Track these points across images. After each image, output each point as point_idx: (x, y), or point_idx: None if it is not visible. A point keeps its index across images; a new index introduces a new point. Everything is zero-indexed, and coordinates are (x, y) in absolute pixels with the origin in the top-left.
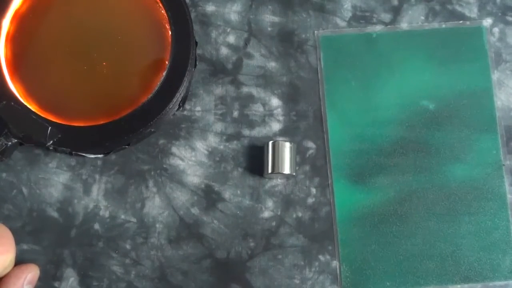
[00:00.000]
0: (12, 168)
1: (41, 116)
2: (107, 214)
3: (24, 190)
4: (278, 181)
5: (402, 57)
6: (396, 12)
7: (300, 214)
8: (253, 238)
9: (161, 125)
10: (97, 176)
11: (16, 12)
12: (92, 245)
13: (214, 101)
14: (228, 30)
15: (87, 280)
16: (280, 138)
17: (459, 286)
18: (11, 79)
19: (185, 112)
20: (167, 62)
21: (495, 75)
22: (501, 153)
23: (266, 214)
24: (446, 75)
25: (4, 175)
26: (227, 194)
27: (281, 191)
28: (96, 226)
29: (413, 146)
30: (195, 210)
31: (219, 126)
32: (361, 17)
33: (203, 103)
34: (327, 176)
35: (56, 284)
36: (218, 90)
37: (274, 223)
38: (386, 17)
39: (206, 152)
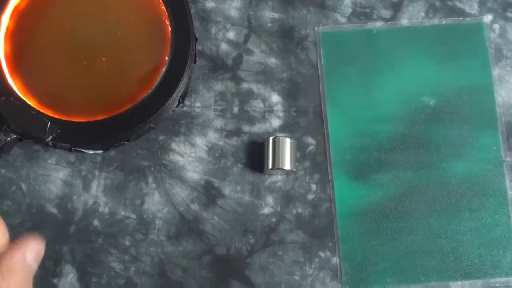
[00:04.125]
0: (11, 164)
1: (40, 112)
2: (106, 210)
3: (23, 186)
4: (278, 177)
5: (402, 53)
6: (396, 8)
7: (300, 210)
8: (253, 234)
9: (160, 121)
10: (96, 172)
11: (16, 8)
12: (91, 242)
13: (214, 97)
14: (228, 26)
15: (86, 277)
16: (280, 134)
17: (459, 282)
18: (11, 74)
19: (184, 108)
20: (166, 58)
21: (495, 71)
22: (501, 149)
23: (266, 210)
24: (447, 71)
25: (3, 171)
26: (227, 190)
27: (281, 187)
28: (96, 222)
29: (413, 142)
30: (194, 206)
31: (219, 122)
32: (361, 13)
33: (203, 99)
34: (327, 172)
35: (55, 280)
36: (218, 86)
37: (274, 219)
38: (386, 13)
39: (206, 148)
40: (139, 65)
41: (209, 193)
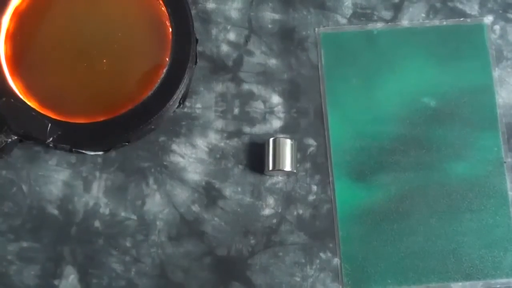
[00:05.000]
0: (12, 165)
1: (41, 113)
2: (107, 211)
3: (24, 188)
4: (279, 178)
5: (403, 54)
6: (397, 9)
7: (301, 212)
8: (253, 235)
9: (161, 122)
10: (97, 173)
11: (16, 9)
12: (92, 243)
13: (214, 98)
14: (229, 27)
15: (87, 278)
16: (281, 135)
17: (460, 283)
18: (11, 76)
19: (185, 109)
20: (167, 59)
21: (496, 73)
22: (502, 150)
23: (267, 211)
24: (447, 73)
25: (4, 172)
26: (227, 192)
27: (282, 188)
28: (96, 223)
29: (414, 143)
30: (195, 208)
31: (219, 123)
32: (361, 14)
33: (204, 100)
34: (328, 173)
35: (56, 281)
36: (219, 87)
37: (274, 221)
38: (387, 14)
39: (206, 149)
40: (140, 66)
41: (210, 194)
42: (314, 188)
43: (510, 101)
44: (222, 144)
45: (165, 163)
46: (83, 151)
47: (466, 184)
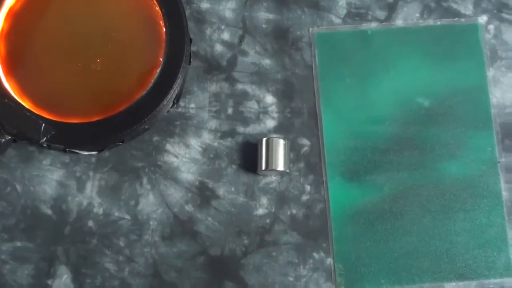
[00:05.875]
0: (6, 165)
1: (35, 113)
2: (100, 211)
3: (18, 187)
4: (272, 178)
5: (397, 54)
6: (391, 9)
7: (294, 211)
8: (247, 235)
9: (155, 122)
10: (91, 173)
11: (11, 9)
12: (85, 242)
13: (208, 98)
14: (223, 27)
15: (80, 278)
16: (275, 135)
17: (454, 283)
18: (5, 76)
19: (179, 109)
20: (161, 59)
21: (490, 72)
22: (496, 150)
23: (260, 211)
24: (441, 72)
25: None
26: (221, 191)
27: (275, 188)
28: (90, 223)
29: (408, 143)
30: (189, 207)
31: (213, 123)
32: (356, 14)
33: (198, 100)
34: (321, 173)
35: (49, 281)
36: (213, 87)
37: (268, 220)
38: (381, 14)
39: (200, 149)
40: (134, 66)
41: (203, 194)
42: (308, 188)
43: (504, 101)
44: (216, 144)
45: (159, 163)
46: (77, 151)
47: (460, 184)
